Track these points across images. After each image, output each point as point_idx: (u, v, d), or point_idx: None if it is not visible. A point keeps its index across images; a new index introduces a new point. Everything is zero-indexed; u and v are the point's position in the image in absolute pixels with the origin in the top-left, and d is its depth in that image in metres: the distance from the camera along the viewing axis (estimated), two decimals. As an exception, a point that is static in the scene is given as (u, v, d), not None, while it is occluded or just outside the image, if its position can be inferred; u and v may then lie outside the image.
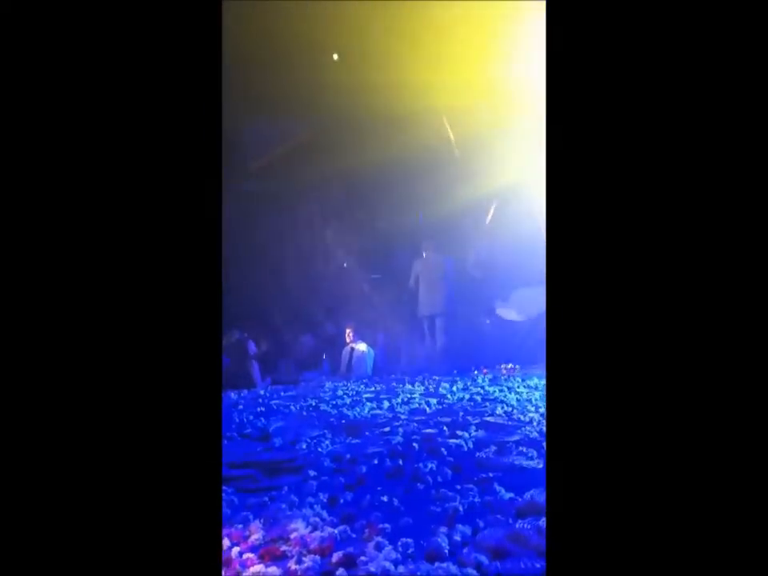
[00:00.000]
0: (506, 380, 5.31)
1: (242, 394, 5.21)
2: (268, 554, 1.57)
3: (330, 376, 7.29)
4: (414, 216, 9.53)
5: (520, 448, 2.59)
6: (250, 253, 7.98)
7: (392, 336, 8.34)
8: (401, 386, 5.26)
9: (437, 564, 1.46)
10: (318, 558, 1.53)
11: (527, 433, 2.88)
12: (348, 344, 7.51)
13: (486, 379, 5.47)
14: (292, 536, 1.66)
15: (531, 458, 2.43)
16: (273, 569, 1.49)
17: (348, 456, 2.57)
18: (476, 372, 6.39)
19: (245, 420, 3.60)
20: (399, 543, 1.57)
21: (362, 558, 1.50)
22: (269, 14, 6.27)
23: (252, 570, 1.49)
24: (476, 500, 1.93)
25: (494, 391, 4.54)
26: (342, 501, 2.00)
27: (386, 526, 1.71)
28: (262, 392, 5.47)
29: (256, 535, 1.68)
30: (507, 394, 4.36)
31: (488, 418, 3.32)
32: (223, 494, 2.02)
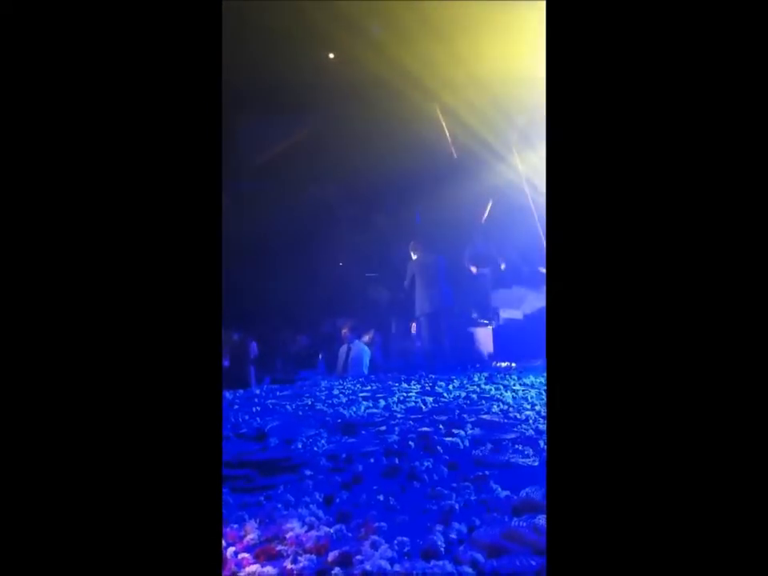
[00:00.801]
0: (501, 378, 5.31)
1: (238, 394, 5.21)
2: (264, 553, 1.57)
3: (325, 375, 7.29)
4: (411, 214, 9.54)
5: (516, 446, 2.59)
6: (247, 251, 7.97)
7: (388, 334, 8.35)
8: (397, 384, 5.25)
9: (433, 562, 1.46)
10: (313, 557, 1.52)
11: (523, 431, 2.89)
12: (344, 343, 7.51)
13: (482, 377, 5.48)
14: (288, 535, 1.66)
15: (527, 456, 2.43)
16: (268, 568, 1.49)
17: (344, 455, 2.57)
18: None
19: (240, 419, 3.60)
20: (395, 541, 1.57)
21: (358, 556, 1.50)
22: (266, 13, 6.26)
23: (248, 569, 1.49)
24: (472, 498, 1.93)
25: (490, 389, 4.54)
26: (337, 500, 1.99)
27: (382, 524, 1.71)
28: (257, 391, 5.46)
29: (252, 535, 1.68)
30: (503, 392, 4.36)
31: (484, 416, 3.32)
32: (219, 494, 2.02)
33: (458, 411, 3.54)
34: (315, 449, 2.75)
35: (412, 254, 7.57)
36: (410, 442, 2.73)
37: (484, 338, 7.77)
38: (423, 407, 3.83)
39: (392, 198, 9.29)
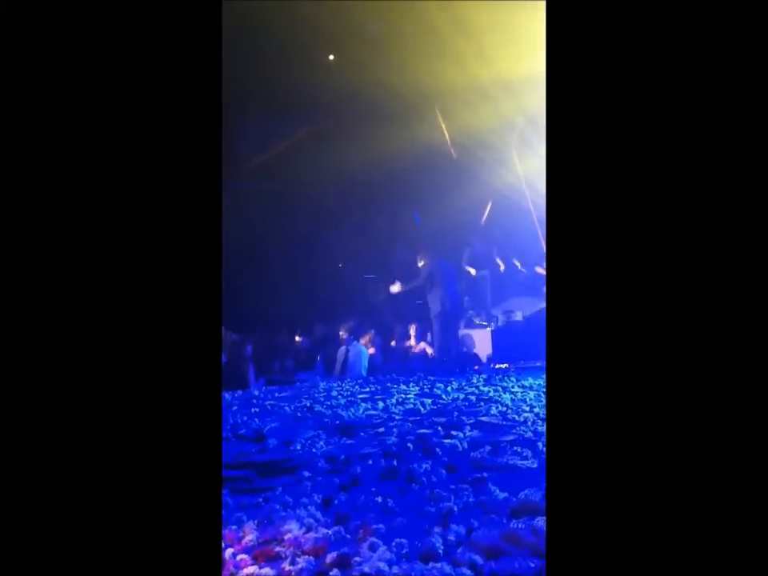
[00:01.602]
0: (500, 380, 5.31)
1: (236, 395, 5.20)
2: (262, 555, 1.57)
3: (324, 376, 7.28)
4: (410, 215, 9.54)
5: (514, 448, 2.59)
6: (245, 252, 7.97)
7: (387, 336, 8.34)
8: (395, 386, 5.25)
9: (431, 564, 1.46)
10: (312, 558, 1.52)
11: (522, 433, 2.88)
12: (342, 344, 7.50)
13: (480, 379, 5.48)
14: (286, 537, 1.66)
15: (526, 458, 2.43)
16: (267, 570, 1.48)
17: (342, 457, 2.57)
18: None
19: (239, 421, 3.59)
20: (393, 543, 1.57)
21: (356, 558, 1.50)
22: (265, 13, 6.26)
23: (246, 571, 1.49)
24: (470, 500, 1.93)
25: (489, 391, 4.54)
26: (336, 501, 1.99)
27: (381, 526, 1.70)
28: (256, 392, 5.46)
29: (250, 536, 1.68)
30: (502, 394, 4.36)
31: (483, 418, 3.32)
32: (217, 495, 2.02)
33: (456, 413, 3.53)
34: (314, 450, 2.74)
35: (420, 262, 7.57)
36: (409, 444, 2.73)
37: (483, 339, 7.77)
38: (422, 409, 3.83)
39: (391, 200, 9.30)
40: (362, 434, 3.10)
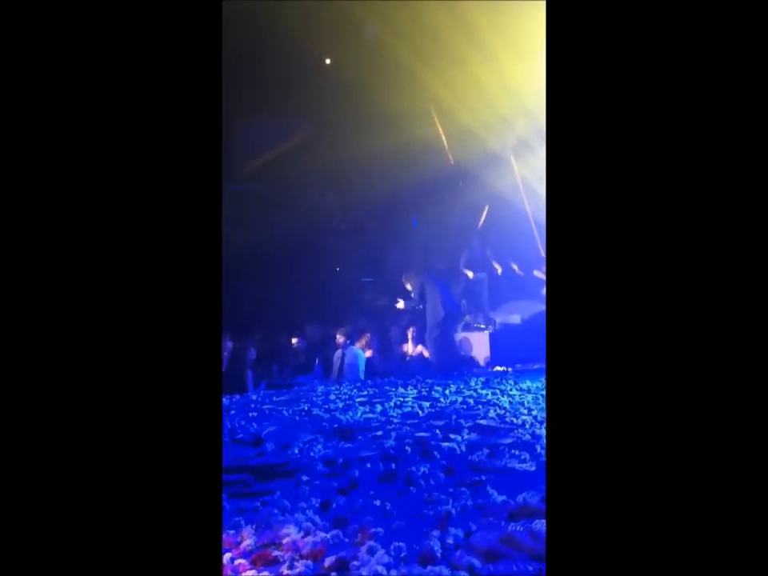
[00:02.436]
0: (498, 383, 5.31)
1: (234, 399, 5.20)
2: (260, 559, 1.56)
3: (322, 380, 7.28)
4: (407, 219, 9.55)
5: (513, 451, 2.59)
6: (244, 256, 7.97)
7: (384, 339, 8.34)
8: (393, 389, 5.25)
9: (429, 567, 1.46)
10: (310, 562, 1.52)
11: (520, 435, 2.88)
12: (339, 348, 7.50)
13: (478, 382, 5.47)
14: (284, 541, 1.65)
15: (524, 461, 2.43)
16: (265, 574, 1.48)
17: (340, 460, 2.56)
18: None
19: (237, 425, 3.59)
20: (392, 547, 1.56)
21: (355, 562, 1.49)
22: (263, 15, 6.26)
23: (244, 575, 1.48)
24: (468, 503, 1.92)
25: (487, 394, 4.54)
26: (334, 505, 1.99)
27: (379, 529, 1.70)
28: (254, 397, 5.45)
29: (248, 540, 1.67)
30: (500, 396, 4.36)
31: (481, 421, 3.32)
32: (215, 499, 2.01)
33: (454, 416, 3.53)
34: (312, 454, 2.74)
35: (408, 286, 7.60)
36: (407, 447, 2.73)
37: (481, 342, 7.77)
38: (420, 412, 3.83)
39: (388, 203, 9.30)
40: (360, 437, 3.10)
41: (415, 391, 5.03)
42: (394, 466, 2.43)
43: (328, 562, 1.50)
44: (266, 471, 2.46)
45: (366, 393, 5.13)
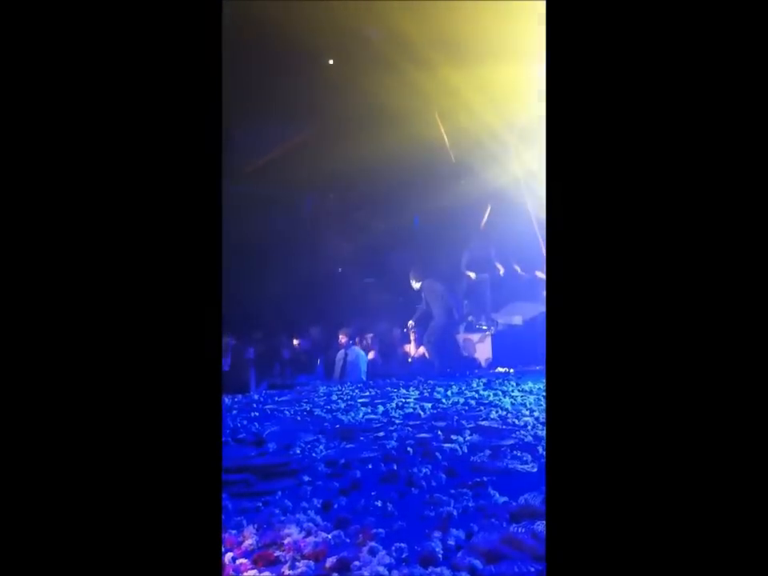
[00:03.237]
0: (500, 384, 5.31)
1: (236, 399, 5.20)
2: (261, 559, 1.57)
3: (324, 380, 7.28)
4: (409, 219, 9.55)
5: (514, 452, 2.59)
6: (245, 256, 7.97)
7: (386, 340, 8.34)
8: (395, 390, 5.25)
9: (431, 568, 1.46)
10: (311, 563, 1.52)
11: (521, 437, 2.88)
12: (341, 348, 7.51)
13: (480, 383, 5.47)
14: (286, 541, 1.66)
15: (525, 462, 2.43)
16: (266, 574, 1.48)
17: (342, 461, 2.56)
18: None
19: (239, 425, 3.59)
20: (393, 548, 1.56)
21: (356, 562, 1.49)
22: (263, 15, 6.27)
23: (246, 575, 1.49)
24: (470, 504, 1.92)
25: (489, 395, 4.54)
26: (335, 505, 1.99)
27: (380, 530, 1.70)
28: (256, 396, 5.46)
29: (249, 540, 1.67)
30: (502, 398, 4.36)
31: (482, 422, 3.32)
32: (217, 499, 2.01)
33: (456, 417, 3.53)
34: (313, 454, 2.74)
35: (413, 282, 7.61)
36: (409, 448, 2.73)
37: (483, 344, 7.77)
38: (422, 413, 3.83)
39: (390, 203, 9.30)
40: (362, 438, 3.10)
41: (417, 392, 5.03)
42: (395, 466, 2.43)
43: (329, 562, 1.51)
44: (268, 471, 2.46)
45: (367, 393, 5.13)
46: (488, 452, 2.61)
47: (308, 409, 4.21)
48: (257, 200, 9.21)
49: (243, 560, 1.55)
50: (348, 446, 2.94)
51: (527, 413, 3.60)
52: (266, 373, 7.40)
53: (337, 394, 5.14)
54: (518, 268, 8.47)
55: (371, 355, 7.70)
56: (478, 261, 8.37)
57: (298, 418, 3.83)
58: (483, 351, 7.70)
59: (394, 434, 3.10)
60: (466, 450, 2.68)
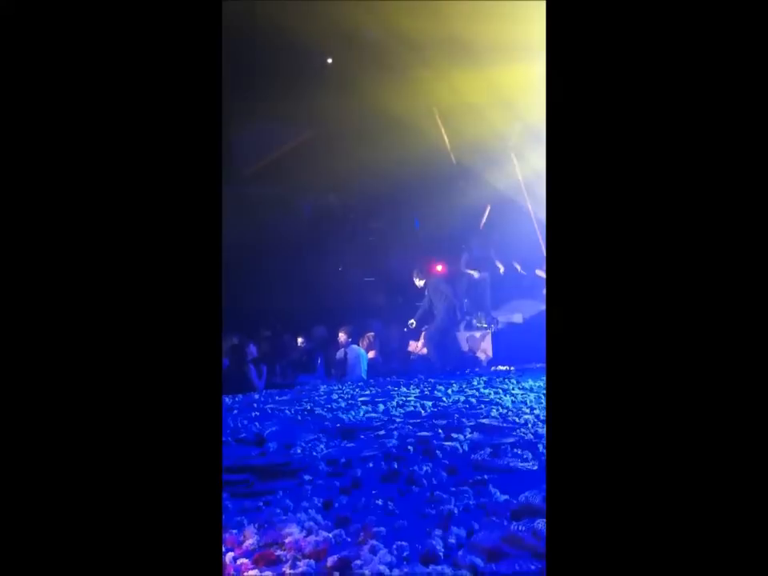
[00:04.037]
0: (501, 382, 5.31)
1: (237, 399, 5.20)
2: (262, 558, 1.57)
3: (325, 379, 7.28)
4: (410, 220, 9.54)
5: (515, 450, 2.59)
6: (246, 256, 7.97)
7: (387, 339, 8.34)
8: (396, 388, 5.25)
9: (431, 567, 1.46)
10: (312, 562, 1.52)
11: (522, 435, 2.88)
12: (341, 347, 7.51)
13: (481, 381, 5.47)
14: (287, 540, 1.65)
15: (526, 460, 2.43)
16: (267, 574, 1.48)
17: (343, 459, 2.56)
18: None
19: (239, 424, 3.59)
20: (394, 546, 1.56)
21: (357, 561, 1.49)
22: (263, 16, 6.26)
23: (247, 574, 1.49)
24: (471, 502, 1.92)
25: (489, 393, 4.54)
26: (336, 504, 1.99)
27: (381, 529, 1.70)
28: (256, 396, 5.45)
29: (250, 540, 1.67)
30: (502, 396, 4.36)
31: (483, 420, 3.32)
32: (217, 499, 2.01)
33: (456, 415, 3.53)
34: (314, 453, 2.74)
35: (417, 281, 7.64)
36: (409, 447, 2.73)
37: (483, 341, 7.77)
38: (422, 411, 3.83)
39: (391, 204, 9.30)
40: (363, 436, 3.10)
41: (417, 390, 5.03)
42: (396, 465, 2.43)
43: (330, 561, 1.51)
44: (269, 471, 2.46)
45: (368, 392, 5.13)
46: (489, 450, 2.60)
47: (309, 408, 4.21)
48: (256, 201, 9.20)
49: (244, 560, 1.55)
50: (349, 444, 2.94)
51: (528, 411, 3.60)
52: (267, 372, 7.40)
53: (337, 393, 5.14)
54: (517, 266, 8.48)
55: (372, 354, 7.70)
56: (478, 260, 8.38)
57: (299, 418, 3.83)
58: (484, 349, 7.70)
59: (395, 433, 3.10)
60: (466, 448, 2.68)
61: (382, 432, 3.15)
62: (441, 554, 1.53)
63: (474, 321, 8.09)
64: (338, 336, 7.64)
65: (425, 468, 2.34)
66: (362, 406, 4.13)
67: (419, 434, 3.04)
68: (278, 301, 8.68)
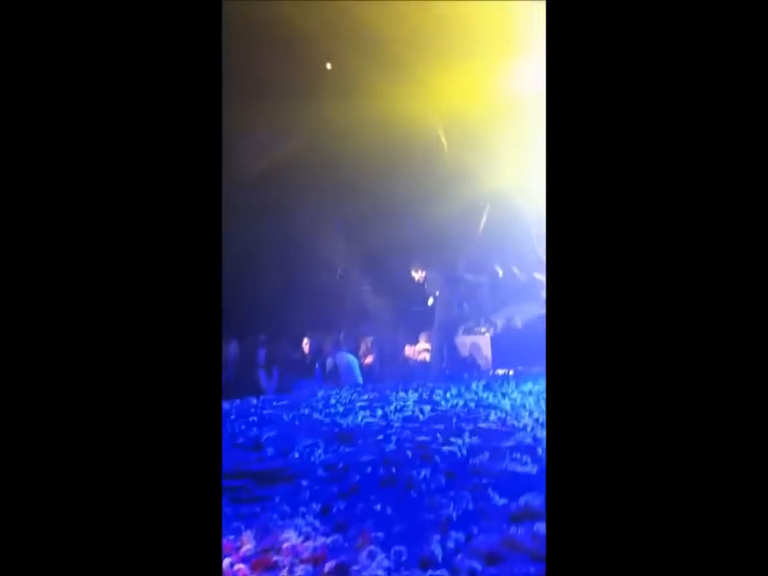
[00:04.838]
0: (499, 386, 5.30)
1: (235, 404, 5.18)
2: (260, 564, 1.56)
3: (322, 384, 7.27)
4: (405, 223, 9.54)
5: (514, 454, 2.58)
6: (242, 261, 7.96)
7: (384, 343, 8.33)
8: (394, 393, 5.24)
9: (430, 571, 1.46)
10: (310, 567, 1.51)
11: (521, 439, 2.87)
12: (333, 353, 7.50)
13: (479, 385, 5.46)
14: (284, 546, 1.65)
15: (525, 464, 2.42)
16: (265, 579, 1.47)
17: (341, 464, 2.55)
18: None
19: (237, 429, 3.58)
20: (392, 551, 1.56)
21: (355, 566, 1.49)
22: (263, 15, 6.27)
23: (244, 580, 1.48)
24: (470, 506, 1.92)
25: (488, 397, 4.53)
26: (334, 509, 1.98)
27: (379, 534, 1.70)
28: (254, 401, 5.44)
29: (248, 545, 1.66)
30: (501, 399, 4.35)
31: (482, 424, 3.31)
32: (215, 505, 2.00)
33: (455, 420, 3.52)
34: (312, 459, 2.73)
35: (414, 275, 7.62)
36: (408, 451, 2.72)
37: (482, 345, 7.77)
38: (421, 416, 3.82)
39: (388, 206, 9.30)
40: (361, 441, 3.09)
41: (416, 395, 5.01)
42: (394, 470, 2.42)
43: (328, 566, 1.50)
44: (266, 476, 2.45)
45: (366, 397, 5.12)
46: (487, 454, 2.60)
47: (306, 413, 4.19)
48: (254, 204, 9.20)
49: (241, 565, 1.55)
50: (347, 449, 2.93)
51: (527, 414, 3.59)
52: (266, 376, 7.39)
53: (335, 398, 5.13)
54: (516, 270, 8.47)
55: (370, 359, 7.68)
56: (476, 263, 8.37)
57: (297, 423, 3.82)
58: (482, 353, 7.69)
59: (393, 437, 3.09)
60: (465, 453, 2.67)
61: (380, 437, 3.14)
62: (439, 558, 1.53)
63: (473, 324, 8.08)
64: (331, 342, 7.63)
65: (423, 472, 2.33)
66: (360, 411, 4.12)
67: (418, 438, 3.03)
68: (274, 306, 8.67)
